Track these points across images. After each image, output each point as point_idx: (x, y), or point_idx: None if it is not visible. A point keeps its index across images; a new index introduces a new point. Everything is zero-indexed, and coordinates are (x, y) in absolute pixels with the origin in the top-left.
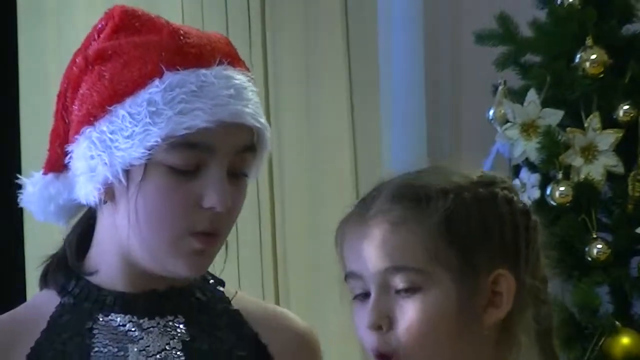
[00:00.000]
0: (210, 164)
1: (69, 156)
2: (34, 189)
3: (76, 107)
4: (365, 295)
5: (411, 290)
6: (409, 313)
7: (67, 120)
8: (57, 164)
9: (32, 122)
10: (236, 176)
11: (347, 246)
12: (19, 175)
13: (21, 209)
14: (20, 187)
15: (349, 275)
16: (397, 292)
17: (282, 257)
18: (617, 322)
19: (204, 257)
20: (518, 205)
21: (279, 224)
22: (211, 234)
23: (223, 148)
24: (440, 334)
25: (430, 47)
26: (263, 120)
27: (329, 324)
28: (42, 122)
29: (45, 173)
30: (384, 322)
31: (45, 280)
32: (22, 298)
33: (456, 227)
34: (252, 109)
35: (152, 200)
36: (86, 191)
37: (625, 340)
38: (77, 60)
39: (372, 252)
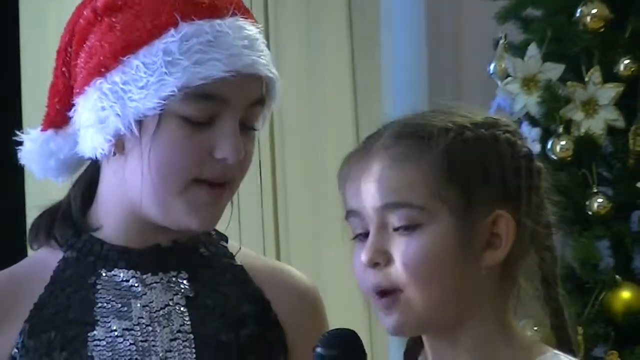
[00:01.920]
0: (223, 116)
1: (73, 109)
2: (34, 145)
3: (82, 60)
4: (365, 235)
5: (410, 227)
6: (407, 248)
7: (67, 75)
8: (57, 119)
9: (32, 77)
10: (247, 129)
11: (348, 183)
12: (17, 132)
13: (22, 166)
14: (20, 144)
15: (349, 214)
16: (396, 229)
17: (283, 210)
18: (617, 277)
19: (214, 209)
20: (521, 149)
21: (279, 176)
22: (219, 185)
23: (237, 100)
24: (439, 269)
25: (432, 1)
26: (275, 71)
27: (329, 276)
28: (42, 78)
29: (44, 129)
30: (381, 258)
31: (49, 234)
32: (23, 253)
33: (456, 165)
34: (265, 60)
35: (165, 150)
36: (94, 143)
37: (625, 294)
38: (83, 12)
39: (371, 188)
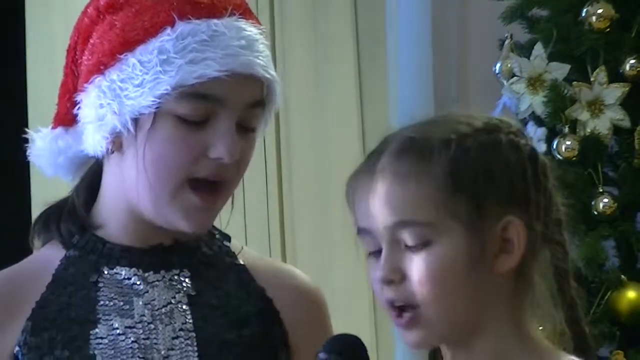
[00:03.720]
0: (219, 116)
1: (77, 106)
2: (43, 143)
3: (86, 57)
4: (378, 251)
5: (421, 243)
6: (420, 265)
7: (76, 74)
8: (66, 117)
9: (38, 77)
10: (245, 130)
11: (357, 202)
12: (27, 130)
13: (28, 165)
14: (27, 142)
15: (360, 232)
16: (407, 246)
17: (289, 208)
18: (623, 276)
19: (206, 214)
20: (525, 149)
21: (285, 174)
22: (213, 185)
23: (233, 100)
24: (454, 283)
25: (437, 1)
26: (273, 72)
27: (335, 276)
28: (49, 78)
29: (54, 127)
30: (395, 276)
31: (46, 231)
32: (28, 252)
33: (461, 176)
34: (263, 61)
35: (160, 149)
36: (94, 141)
37: (631, 294)
38: (88, 10)
39: (379, 208)
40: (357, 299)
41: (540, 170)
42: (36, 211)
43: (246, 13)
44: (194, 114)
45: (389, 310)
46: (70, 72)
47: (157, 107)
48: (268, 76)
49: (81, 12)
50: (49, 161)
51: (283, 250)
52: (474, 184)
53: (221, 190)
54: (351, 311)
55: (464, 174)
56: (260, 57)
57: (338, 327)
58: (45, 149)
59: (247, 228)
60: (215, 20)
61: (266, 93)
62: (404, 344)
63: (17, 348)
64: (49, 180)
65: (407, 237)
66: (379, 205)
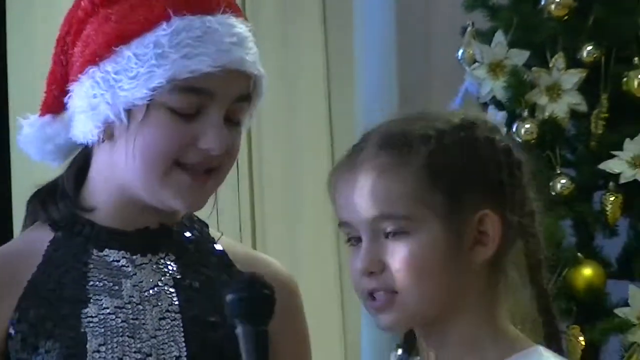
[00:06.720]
0: (209, 109)
1: (68, 95)
2: (31, 129)
3: (78, 49)
4: (358, 239)
5: (400, 234)
6: (398, 256)
7: (65, 64)
8: (54, 105)
9: (19, 67)
10: (232, 123)
11: (338, 195)
12: (6, 118)
13: (8, 149)
14: (7, 129)
15: (342, 224)
16: (387, 237)
17: (260, 208)
18: (579, 254)
19: (198, 193)
20: (500, 145)
21: (256, 175)
22: (202, 172)
23: (223, 94)
24: (431, 271)
25: None
26: (261, 68)
27: (304, 273)
28: (29, 68)
29: (42, 115)
30: (376, 267)
31: (38, 213)
32: (9, 237)
33: (439, 171)
34: (253, 57)
35: (151, 138)
36: (85, 129)
37: (587, 271)
38: (81, 3)
39: (360, 201)
40: (325, 293)
41: (515, 166)
42: (17, 198)
43: (236, 10)
44: (186, 106)
45: (366, 298)
46: (58, 61)
47: (150, 99)
48: (256, 72)
49: (72, 4)
50: (36, 147)
51: (254, 240)
52: (451, 179)
53: (212, 173)
54: (319, 299)
55: (441, 168)
56: (250, 54)
57: (307, 313)
58: (33, 135)
59: (218, 221)
60: (209, 17)
61: (253, 88)
62: (378, 327)
63: (10, 328)
64: (29, 167)
65: (387, 228)
66: (360, 199)
